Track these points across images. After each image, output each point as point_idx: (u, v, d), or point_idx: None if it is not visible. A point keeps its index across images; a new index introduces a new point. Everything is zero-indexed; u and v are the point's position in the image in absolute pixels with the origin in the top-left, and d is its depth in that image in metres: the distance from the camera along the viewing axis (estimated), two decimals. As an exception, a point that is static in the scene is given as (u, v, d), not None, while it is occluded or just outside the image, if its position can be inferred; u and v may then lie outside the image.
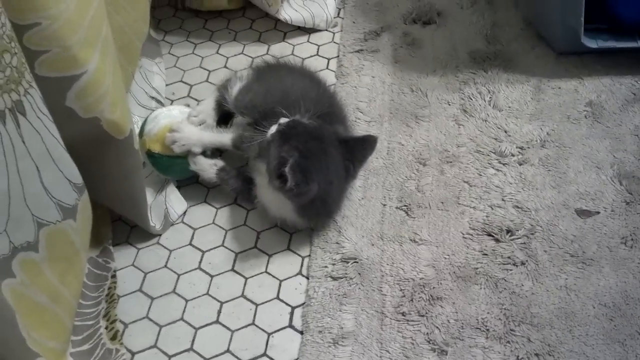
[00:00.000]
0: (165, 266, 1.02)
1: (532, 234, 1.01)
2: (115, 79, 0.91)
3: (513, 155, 1.12)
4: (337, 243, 1.02)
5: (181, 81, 1.32)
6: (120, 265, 1.02)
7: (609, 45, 1.23)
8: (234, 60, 1.35)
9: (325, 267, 1.00)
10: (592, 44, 1.23)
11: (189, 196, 1.11)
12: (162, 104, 1.26)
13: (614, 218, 1.02)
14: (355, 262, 1.00)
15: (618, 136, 1.14)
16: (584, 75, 1.25)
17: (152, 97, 1.26)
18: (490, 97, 1.22)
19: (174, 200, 1.08)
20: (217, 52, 1.37)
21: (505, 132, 1.16)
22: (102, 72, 0.86)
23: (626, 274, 0.95)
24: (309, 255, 1.02)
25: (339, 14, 1.44)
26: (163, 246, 1.04)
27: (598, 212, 1.03)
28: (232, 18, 1.44)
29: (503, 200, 1.06)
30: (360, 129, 1.19)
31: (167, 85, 1.31)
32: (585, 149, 1.12)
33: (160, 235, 1.06)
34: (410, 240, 1.02)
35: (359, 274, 0.98)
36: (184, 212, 1.09)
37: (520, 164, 1.10)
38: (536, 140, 1.14)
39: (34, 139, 0.75)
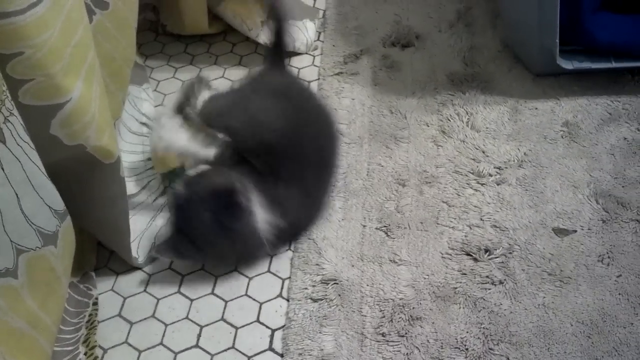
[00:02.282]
0: (145, 290, 1.02)
1: (510, 253, 1.02)
2: (101, 106, 0.91)
3: (491, 175, 1.13)
4: (317, 264, 1.03)
5: (162, 105, 1.33)
6: (100, 290, 1.02)
7: (585, 67, 1.26)
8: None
9: (306, 288, 1.00)
10: (568, 65, 1.25)
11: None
12: (151, 129, 1.27)
13: (590, 236, 1.03)
14: (335, 283, 1.00)
15: (594, 155, 1.16)
16: (560, 96, 1.27)
17: (143, 124, 1.27)
18: (468, 119, 1.24)
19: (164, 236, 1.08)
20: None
21: (483, 152, 1.17)
22: (87, 99, 0.87)
23: (603, 292, 0.96)
24: (289, 277, 1.02)
25: (319, 37, 1.46)
26: (143, 271, 1.04)
27: (575, 231, 1.04)
28: (213, 42, 1.46)
29: (481, 220, 1.07)
30: (340, 151, 1.20)
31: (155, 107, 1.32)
32: (562, 168, 1.14)
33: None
34: (390, 260, 1.03)
35: (339, 295, 0.99)
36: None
37: (498, 184, 1.12)
38: (514, 161, 1.15)
39: (14, 166, 0.75)
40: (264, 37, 1.40)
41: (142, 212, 1.08)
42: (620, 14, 1.27)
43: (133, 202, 1.07)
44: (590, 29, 1.26)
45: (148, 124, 1.26)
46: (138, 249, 1.04)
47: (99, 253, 1.06)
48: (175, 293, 1.01)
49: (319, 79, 1.37)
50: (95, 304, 0.99)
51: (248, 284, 1.02)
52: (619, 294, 0.96)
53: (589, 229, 1.04)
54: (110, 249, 1.05)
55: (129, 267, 1.04)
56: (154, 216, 1.09)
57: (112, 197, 0.96)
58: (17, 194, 0.76)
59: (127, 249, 1.02)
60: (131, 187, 1.08)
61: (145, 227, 1.06)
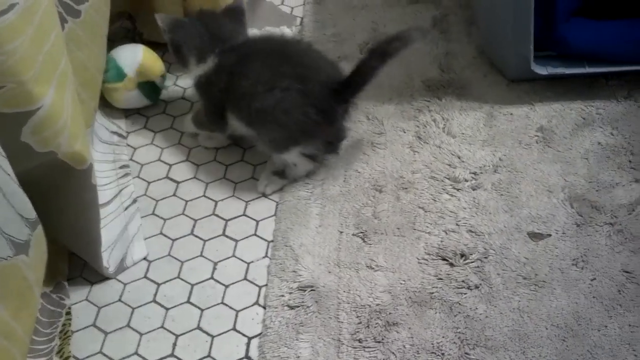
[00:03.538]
0: (120, 300, 1.01)
1: (485, 257, 1.02)
2: (74, 113, 0.91)
3: (466, 180, 1.14)
4: (294, 271, 1.03)
5: (138, 113, 1.32)
6: (74, 300, 1.01)
7: (559, 72, 1.27)
8: (190, 91, 1.36)
9: (282, 296, 1.00)
10: (542, 70, 1.26)
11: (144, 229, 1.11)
12: (124, 137, 1.26)
13: (565, 240, 1.04)
14: (312, 290, 1.00)
15: (569, 160, 1.17)
16: (535, 101, 1.28)
17: (114, 132, 1.27)
18: (444, 124, 1.24)
19: (136, 246, 1.08)
20: (175, 84, 1.38)
21: (459, 158, 1.18)
22: (59, 106, 0.86)
23: (577, 295, 0.97)
24: (266, 285, 1.02)
25: (296, 44, 1.46)
26: (117, 280, 1.04)
27: (550, 235, 1.05)
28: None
29: (457, 225, 1.07)
30: (317, 158, 1.20)
31: (126, 116, 1.31)
32: (536, 173, 1.15)
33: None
34: (367, 266, 1.03)
35: (316, 302, 0.99)
36: (141, 259, 1.07)
37: (473, 189, 1.12)
38: (489, 166, 1.16)
39: (-16, 174, 0.74)
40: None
41: (114, 221, 1.07)
42: (593, 19, 1.29)
43: (104, 211, 1.06)
44: (564, 34, 1.27)
45: (118, 132, 1.26)
46: (109, 259, 1.03)
47: (73, 262, 1.05)
48: (151, 302, 1.01)
49: (296, 86, 1.36)
50: (68, 313, 0.98)
51: (224, 292, 1.02)
52: (593, 297, 0.97)
53: (563, 233, 1.05)
54: (81, 257, 1.04)
55: (104, 276, 1.03)
56: (125, 225, 1.08)
57: (84, 205, 0.95)
58: (-14, 203, 0.75)
59: (98, 258, 1.01)
60: (103, 196, 1.07)
61: (116, 236, 1.05)
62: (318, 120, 1.08)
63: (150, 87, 1.30)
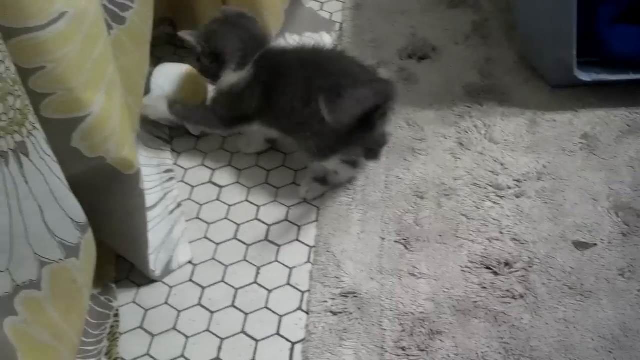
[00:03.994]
0: (166, 303, 1.02)
1: (530, 266, 1.01)
2: (122, 119, 0.92)
3: (510, 188, 1.13)
4: (336, 277, 1.03)
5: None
6: (121, 302, 1.02)
7: (602, 78, 1.25)
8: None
9: (325, 302, 1.00)
10: (585, 77, 1.25)
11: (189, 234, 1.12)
12: (168, 142, 1.28)
13: (611, 250, 1.03)
14: (354, 296, 1.00)
15: (613, 168, 1.15)
16: (578, 107, 1.27)
17: (158, 137, 1.28)
18: (486, 131, 1.23)
19: (181, 249, 1.09)
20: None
21: (502, 165, 1.17)
22: (108, 113, 0.88)
23: (624, 306, 0.96)
24: (309, 290, 1.02)
25: (335, 49, 1.46)
26: (163, 283, 1.05)
27: (595, 244, 1.04)
28: (230, 55, 1.46)
29: (501, 233, 1.07)
30: (358, 163, 1.21)
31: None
32: (581, 181, 1.13)
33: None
34: (409, 274, 1.03)
35: (359, 308, 0.99)
36: (187, 262, 1.08)
37: (517, 197, 1.12)
38: (532, 173, 1.15)
39: (37, 179, 0.76)
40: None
41: (160, 224, 1.08)
42: (636, 25, 1.27)
43: (150, 215, 1.07)
44: (607, 40, 1.25)
45: (161, 136, 1.28)
46: (156, 262, 1.04)
47: (120, 265, 1.07)
48: (196, 305, 1.02)
49: (335, 91, 1.37)
50: (116, 315, 0.99)
51: (268, 297, 1.02)
52: (641, 308, 0.95)
53: (609, 243, 1.04)
54: (128, 259, 1.05)
55: (150, 279, 1.05)
56: (170, 229, 1.10)
57: (132, 209, 0.97)
58: (40, 207, 0.77)
59: (145, 261, 1.02)
60: (148, 200, 1.08)
61: (162, 239, 1.07)
62: (355, 129, 1.07)
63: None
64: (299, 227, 1.12)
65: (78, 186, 0.84)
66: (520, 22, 1.39)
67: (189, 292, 1.03)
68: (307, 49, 1.17)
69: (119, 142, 0.91)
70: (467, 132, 1.24)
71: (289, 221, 1.13)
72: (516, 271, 1.01)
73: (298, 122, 1.09)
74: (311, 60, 1.13)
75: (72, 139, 0.86)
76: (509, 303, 0.97)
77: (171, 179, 1.20)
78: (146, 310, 1.01)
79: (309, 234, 1.11)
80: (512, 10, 1.45)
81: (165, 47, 1.47)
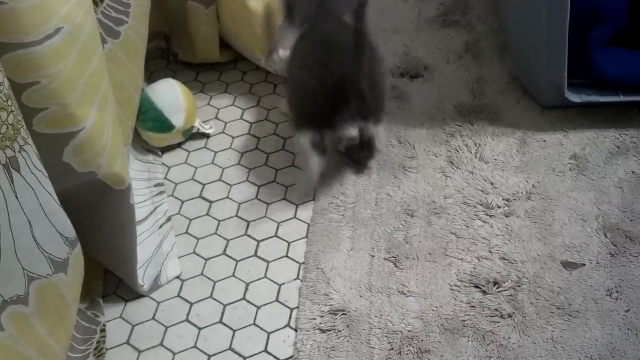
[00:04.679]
0: (153, 318, 1.02)
1: (518, 286, 1.02)
2: (114, 134, 0.92)
3: (499, 207, 1.14)
4: (325, 294, 1.03)
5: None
6: (108, 317, 1.02)
7: (593, 100, 1.26)
8: (224, 111, 1.38)
9: (314, 319, 1.00)
10: (576, 98, 1.26)
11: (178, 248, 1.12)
12: (158, 156, 1.28)
13: (599, 270, 1.03)
14: (343, 314, 1.00)
15: (602, 189, 1.16)
16: (568, 128, 1.28)
17: (149, 150, 1.28)
18: (476, 150, 1.24)
19: (170, 264, 1.09)
20: (209, 104, 1.40)
21: (492, 184, 1.18)
22: (100, 128, 0.88)
23: (612, 326, 0.96)
24: (298, 307, 1.02)
25: (328, 67, 1.47)
26: (151, 298, 1.05)
27: (584, 264, 1.04)
28: (223, 70, 1.47)
29: (490, 252, 1.07)
30: (349, 180, 1.21)
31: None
32: (570, 201, 1.14)
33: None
34: (399, 291, 1.03)
35: (347, 326, 0.99)
36: (175, 277, 1.08)
37: (506, 216, 1.12)
38: (522, 192, 1.16)
39: (27, 194, 0.76)
40: (273, 65, 1.42)
41: (149, 239, 1.08)
42: (628, 48, 1.28)
43: (140, 229, 1.07)
44: (598, 63, 1.27)
45: (153, 150, 1.28)
46: (144, 276, 1.04)
47: (107, 280, 1.06)
48: (184, 321, 1.01)
49: (328, 108, 1.37)
50: (103, 330, 0.99)
51: (256, 313, 1.02)
52: (628, 329, 0.96)
53: (597, 263, 1.04)
54: (116, 274, 1.05)
55: (138, 294, 1.05)
56: (160, 243, 1.09)
57: (122, 223, 0.97)
58: (29, 222, 0.77)
59: (133, 275, 1.02)
60: (138, 213, 1.08)
61: (151, 254, 1.06)
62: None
63: (191, 130, 1.30)
64: (289, 243, 1.12)
65: (68, 201, 0.84)
66: (513, 43, 1.40)
67: (176, 308, 1.03)
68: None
69: (111, 157, 0.91)
70: (457, 151, 1.25)
71: (278, 237, 1.13)
72: (505, 290, 1.01)
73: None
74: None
75: (64, 154, 0.86)
76: (497, 322, 0.97)
77: (161, 192, 1.20)
78: (133, 326, 1.01)
79: (299, 250, 1.11)
80: (504, 31, 1.47)
81: (158, 62, 1.48)
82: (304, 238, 1.13)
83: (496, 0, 1.54)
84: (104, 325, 1.00)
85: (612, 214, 1.11)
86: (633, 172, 1.18)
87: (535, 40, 1.25)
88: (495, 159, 1.23)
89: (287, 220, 1.16)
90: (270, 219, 1.16)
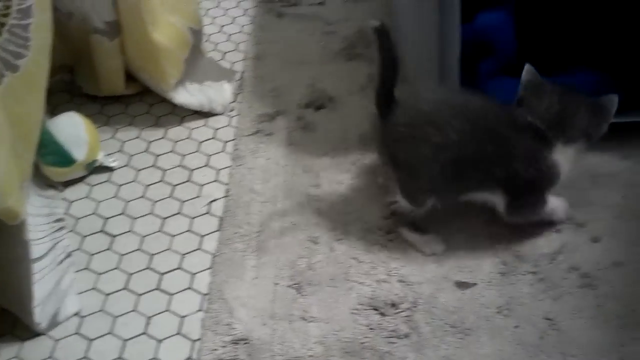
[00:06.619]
0: (50, 357, 1.00)
1: (415, 306, 1.05)
2: (8, 169, 0.91)
3: (398, 232, 1.18)
4: (227, 324, 1.04)
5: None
6: (4, 358, 0.99)
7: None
8: (130, 144, 1.38)
9: (215, 349, 1.00)
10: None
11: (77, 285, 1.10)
12: (59, 190, 1.26)
13: (490, 289, 1.08)
14: (245, 343, 1.01)
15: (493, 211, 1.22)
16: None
17: (49, 185, 1.26)
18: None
19: (69, 301, 1.07)
20: (113, 137, 1.39)
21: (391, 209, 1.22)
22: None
23: (502, 342, 1.01)
24: (200, 339, 1.02)
25: (235, 98, 1.50)
26: (49, 336, 1.02)
27: (476, 284, 1.09)
28: (129, 103, 1.47)
29: (388, 275, 1.11)
30: (254, 209, 1.23)
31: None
32: (463, 224, 1.19)
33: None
34: (301, 318, 1.05)
35: (249, 355, 1.00)
36: (74, 314, 1.06)
37: (405, 240, 1.16)
38: (420, 217, 1.20)
39: None
40: (179, 98, 1.43)
41: (48, 276, 1.06)
42: (516, 78, 1.36)
43: (38, 266, 1.05)
44: (488, 93, 1.34)
45: (54, 185, 1.26)
46: (41, 314, 1.02)
47: (3, 318, 1.03)
48: (82, 358, 1.00)
49: (234, 139, 1.40)
50: (-5, 372, 0.96)
51: (157, 347, 1.01)
52: (517, 344, 1.00)
53: (489, 282, 1.09)
54: (12, 312, 1.02)
55: (35, 333, 1.02)
56: (58, 280, 1.07)
57: (15, 260, 0.95)
58: None
59: (29, 314, 0.99)
60: (37, 250, 1.06)
61: (50, 291, 1.04)
62: None
63: (93, 163, 1.29)
64: (193, 274, 1.13)
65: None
66: (409, 74, 1.46)
67: (75, 345, 1.01)
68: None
69: (4, 192, 0.89)
70: (359, 179, 1.29)
71: (182, 269, 1.14)
72: (402, 311, 1.05)
73: None
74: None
75: None
76: (395, 343, 1.01)
77: (62, 228, 1.18)
78: (29, 366, 0.99)
79: (203, 281, 1.11)
80: (403, 64, 1.53)
81: (62, 95, 1.46)
82: (208, 269, 1.13)
83: (395, 35, 1.61)
84: (-2, 366, 0.97)
85: (502, 235, 1.17)
86: (522, 194, 1.25)
87: (429, 72, 1.31)
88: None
89: (191, 251, 1.16)
90: (175, 251, 1.16)
